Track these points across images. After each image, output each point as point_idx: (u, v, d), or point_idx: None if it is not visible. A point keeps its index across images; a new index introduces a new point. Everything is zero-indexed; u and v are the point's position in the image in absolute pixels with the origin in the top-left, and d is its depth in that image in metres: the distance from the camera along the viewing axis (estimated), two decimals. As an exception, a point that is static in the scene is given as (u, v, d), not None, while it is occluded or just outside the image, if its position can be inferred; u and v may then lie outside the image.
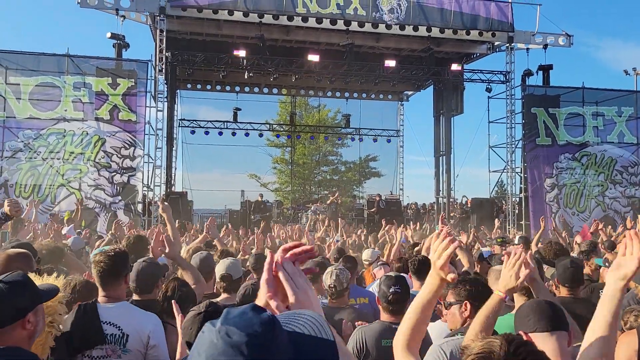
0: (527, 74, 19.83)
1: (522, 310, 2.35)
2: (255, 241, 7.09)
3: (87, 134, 16.39)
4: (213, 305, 2.93)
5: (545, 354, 1.38)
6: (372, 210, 20.29)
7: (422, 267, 4.66)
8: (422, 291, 1.94)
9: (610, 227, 11.73)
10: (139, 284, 3.49)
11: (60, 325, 2.45)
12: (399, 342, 2.01)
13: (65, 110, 16.30)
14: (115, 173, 16.42)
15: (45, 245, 4.83)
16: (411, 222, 15.21)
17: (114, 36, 17.02)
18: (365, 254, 6.52)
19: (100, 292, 3.17)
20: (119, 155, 16.50)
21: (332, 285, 3.99)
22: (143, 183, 16.98)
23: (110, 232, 8.50)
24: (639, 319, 2.96)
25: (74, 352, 2.90)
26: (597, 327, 1.87)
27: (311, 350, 1.07)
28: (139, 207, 16.75)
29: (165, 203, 5.08)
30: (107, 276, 3.14)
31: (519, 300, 3.19)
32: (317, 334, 1.10)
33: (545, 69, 19.93)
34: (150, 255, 4.20)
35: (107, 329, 2.97)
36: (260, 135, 24.97)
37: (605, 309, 1.88)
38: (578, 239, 8.34)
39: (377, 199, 20.89)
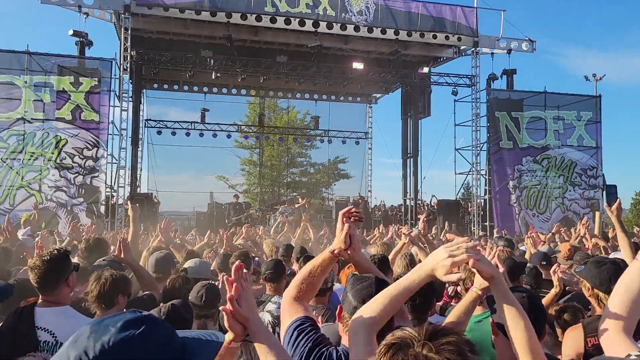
0: (492, 78, 20.27)
1: None
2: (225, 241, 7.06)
3: (48, 134, 15.96)
4: (174, 311, 2.87)
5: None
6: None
7: (382, 265, 4.69)
8: (404, 280, 1.85)
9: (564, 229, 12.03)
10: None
11: None
12: (359, 321, 1.87)
13: (26, 111, 15.86)
14: (77, 174, 16.03)
15: None
16: (381, 224, 15.29)
17: (76, 34, 16.63)
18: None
19: (41, 297, 3.00)
20: (81, 156, 16.11)
21: None
22: (106, 184, 16.62)
23: (68, 233, 8.28)
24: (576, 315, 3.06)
25: (3, 357, 2.73)
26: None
27: (197, 350, 1.21)
28: (102, 208, 16.38)
29: (136, 205, 5.01)
30: (45, 281, 2.96)
31: None
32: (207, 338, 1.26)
33: (509, 74, 20.41)
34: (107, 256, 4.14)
35: (41, 335, 2.80)
36: (229, 136, 24.78)
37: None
38: (542, 237, 8.48)
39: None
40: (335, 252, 2.21)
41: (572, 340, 2.81)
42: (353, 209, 2.26)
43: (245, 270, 1.76)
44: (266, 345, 1.71)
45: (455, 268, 1.74)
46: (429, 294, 2.91)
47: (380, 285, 2.06)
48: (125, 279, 3.33)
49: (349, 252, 2.21)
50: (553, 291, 3.87)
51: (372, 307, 1.86)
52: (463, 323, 2.59)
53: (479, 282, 2.54)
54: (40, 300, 2.98)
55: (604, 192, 20.50)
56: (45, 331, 2.82)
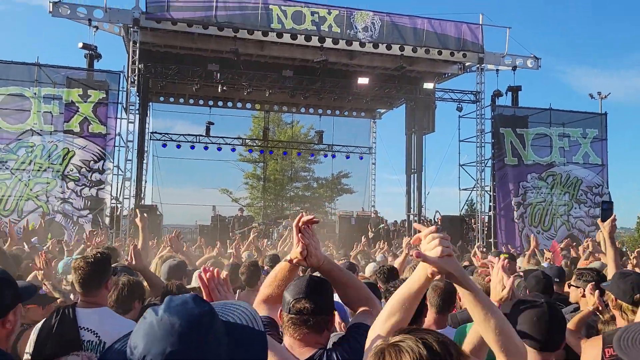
0: (497, 94, 20.34)
1: None
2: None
3: (57, 146, 16.05)
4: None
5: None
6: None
7: (390, 276, 4.71)
8: (407, 283, 1.80)
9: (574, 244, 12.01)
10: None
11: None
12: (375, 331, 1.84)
13: (35, 123, 15.98)
14: (83, 186, 16.09)
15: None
16: (382, 240, 15.25)
17: (85, 46, 16.78)
18: (369, 269, 6.40)
19: (81, 298, 3.09)
20: (87, 169, 16.18)
21: None
22: (112, 195, 16.66)
23: (83, 240, 8.29)
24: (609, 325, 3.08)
25: (48, 356, 2.79)
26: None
27: (243, 339, 1.18)
28: (107, 220, 16.40)
29: (145, 214, 5.06)
30: (88, 282, 3.04)
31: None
32: (249, 324, 1.21)
33: (514, 90, 20.49)
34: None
35: (84, 335, 2.88)
36: (233, 150, 24.86)
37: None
38: (548, 254, 8.48)
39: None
40: (294, 261, 2.24)
41: (591, 349, 2.86)
42: (303, 218, 2.24)
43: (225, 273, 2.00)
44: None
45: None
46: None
47: (313, 281, 2.16)
48: (140, 284, 3.36)
49: (308, 261, 2.23)
50: (590, 307, 3.72)
51: (384, 313, 1.83)
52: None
53: (495, 294, 2.49)
54: (80, 301, 3.04)
55: (600, 208, 20.45)
56: (88, 331, 2.89)
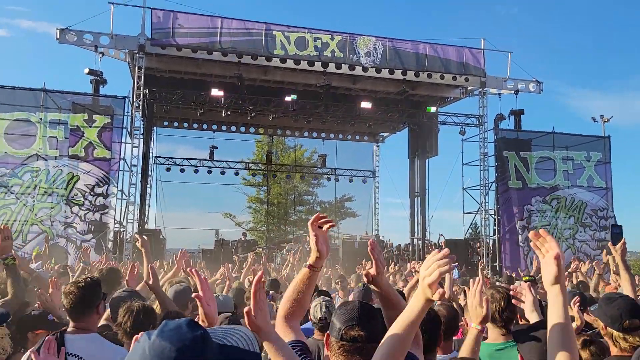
0: (499, 118, 20.41)
1: None
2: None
3: (62, 171, 16.12)
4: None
5: None
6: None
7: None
8: (406, 311, 1.84)
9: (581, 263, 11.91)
10: (114, 315, 3.43)
11: (5, 349, 2.32)
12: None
13: (41, 148, 16.08)
14: (87, 211, 16.10)
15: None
16: (388, 262, 15.12)
17: (91, 72, 16.99)
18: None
19: (71, 323, 3.07)
20: (92, 193, 16.22)
21: (323, 318, 3.87)
22: (115, 220, 16.65)
23: (80, 261, 8.26)
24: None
25: None
26: (555, 338, 1.79)
27: None
28: (110, 244, 16.36)
29: (144, 237, 5.04)
30: (78, 307, 3.03)
31: (493, 330, 3.23)
32: (246, 347, 1.24)
33: (517, 114, 20.57)
34: (127, 287, 4.16)
35: None
36: (237, 173, 24.89)
37: (556, 317, 1.81)
38: None
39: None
40: (312, 265, 2.26)
41: None
42: (319, 215, 2.30)
43: (263, 280, 2.01)
44: (280, 356, 1.86)
45: (437, 285, 1.73)
46: (434, 329, 2.90)
47: (363, 308, 2.11)
48: (153, 310, 3.35)
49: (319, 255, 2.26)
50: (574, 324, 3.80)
51: (384, 345, 1.84)
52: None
53: (475, 316, 2.64)
54: (70, 327, 3.00)
55: (610, 232, 20.30)
56: (75, 357, 2.87)
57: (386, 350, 1.82)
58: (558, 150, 20.56)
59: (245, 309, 1.92)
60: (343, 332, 2.02)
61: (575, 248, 20.08)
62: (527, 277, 7.45)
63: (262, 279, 2.01)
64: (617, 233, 19.91)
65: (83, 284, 3.09)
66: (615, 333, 2.75)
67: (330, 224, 2.29)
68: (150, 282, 3.96)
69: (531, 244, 1.92)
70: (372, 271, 2.29)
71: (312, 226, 2.25)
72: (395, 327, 1.82)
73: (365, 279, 2.37)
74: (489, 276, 17.59)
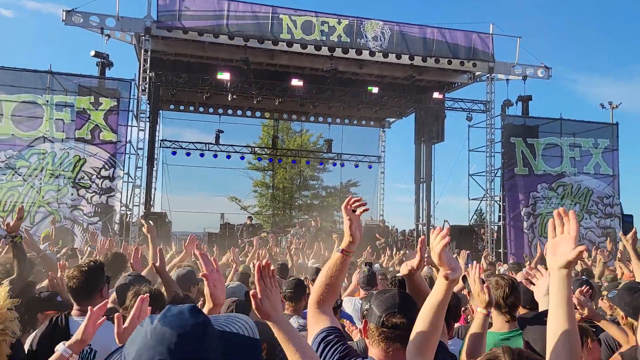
0: (507, 104, 20.27)
1: None
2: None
3: (68, 154, 16.18)
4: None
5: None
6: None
7: (403, 286, 4.70)
8: (432, 293, 1.91)
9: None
10: (121, 299, 3.46)
11: (15, 332, 2.36)
12: (410, 350, 1.92)
13: (47, 130, 16.11)
14: (94, 193, 16.19)
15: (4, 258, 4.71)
16: (387, 248, 15.17)
17: (97, 55, 16.95)
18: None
19: (75, 306, 3.11)
20: (98, 176, 16.29)
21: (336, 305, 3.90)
22: (121, 203, 16.75)
23: (87, 244, 8.34)
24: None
25: None
26: (555, 324, 1.76)
27: (239, 347, 1.22)
28: (116, 227, 16.47)
29: (150, 222, 5.08)
30: (82, 291, 3.07)
31: (497, 318, 3.25)
32: (247, 334, 1.27)
33: (525, 100, 20.42)
34: (131, 271, 4.20)
35: None
36: (242, 158, 24.90)
37: (558, 304, 1.75)
38: None
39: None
40: (345, 249, 2.25)
41: None
42: (352, 199, 2.28)
43: (272, 268, 1.97)
44: (291, 345, 1.83)
45: (445, 260, 1.86)
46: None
47: (404, 297, 2.13)
48: (161, 294, 3.38)
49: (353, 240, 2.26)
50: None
51: (417, 327, 1.89)
52: (481, 346, 2.63)
53: (479, 301, 2.67)
54: (74, 310, 3.04)
55: (621, 221, 20.25)
56: None
57: (421, 331, 1.87)
58: (565, 137, 20.43)
59: (251, 292, 1.91)
60: (384, 318, 2.03)
61: (580, 235, 19.96)
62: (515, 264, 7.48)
63: (269, 266, 1.97)
64: (628, 222, 19.87)
65: (86, 268, 3.12)
66: (636, 323, 2.76)
67: (364, 207, 2.27)
68: (157, 265, 3.99)
69: (549, 221, 1.89)
70: (415, 265, 2.41)
71: (345, 210, 2.24)
72: (425, 310, 1.88)
73: (405, 271, 2.50)
74: (492, 261, 17.62)
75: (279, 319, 1.88)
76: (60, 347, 2.29)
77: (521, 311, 3.94)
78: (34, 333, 3.03)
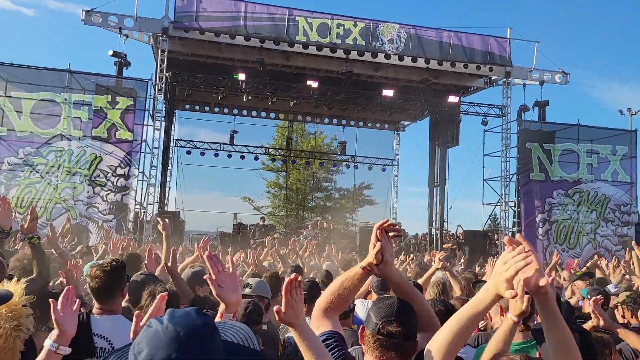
0: (523, 109, 20.09)
1: None
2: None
3: (85, 152, 16.38)
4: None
5: None
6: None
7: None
8: (472, 302, 1.80)
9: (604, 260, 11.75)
10: (133, 297, 3.53)
11: (29, 328, 2.39)
12: (434, 348, 1.85)
13: (65, 128, 16.32)
14: (109, 191, 16.36)
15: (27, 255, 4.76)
16: (402, 252, 15.13)
17: (115, 54, 17.14)
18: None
19: (95, 305, 3.14)
20: (114, 174, 16.46)
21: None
22: (136, 201, 16.89)
23: (102, 242, 8.42)
24: None
25: None
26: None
27: (241, 355, 1.27)
28: (130, 225, 16.62)
29: (166, 220, 5.13)
30: (104, 291, 3.10)
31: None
32: (245, 344, 1.33)
33: (542, 105, 20.22)
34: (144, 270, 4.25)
35: (97, 342, 2.92)
36: (256, 158, 24.98)
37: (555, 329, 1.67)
38: (565, 273, 8.29)
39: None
40: (367, 267, 2.19)
41: None
42: (389, 222, 2.21)
43: (299, 279, 2.02)
44: (310, 351, 1.88)
45: (515, 282, 1.61)
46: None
47: (402, 304, 2.08)
48: (177, 294, 3.41)
49: (379, 266, 2.19)
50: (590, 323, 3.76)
51: (443, 333, 1.82)
52: (505, 352, 2.55)
53: (514, 308, 2.50)
54: (95, 309, 3.09)
55: (635, 230, 19.96)
56: (101, 338, 2.94)
57: (446, 338, 1.81)
58: (582, 143, 20.19)
59: (275, 308, 1.95)
60: (380, 326, 2.01)
61: (596, 243, 19.79)
62: (580, 272, 7.17)
63: (297, 278, 2.00)
64: None
65: (109, 267, 3.14)
66: None
67: (397, 233, 2.22)
68: (169, 264, 4.03)
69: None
70: (373, 258, 2.18)
71: (379, 231, 2.18)
72: (458, 317, 1.80)
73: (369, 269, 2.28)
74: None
75: (301, 326, 1.93)
76: (47, 343, 2.35)
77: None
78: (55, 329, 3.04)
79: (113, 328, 2.98)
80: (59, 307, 2.41)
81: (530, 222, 19.54)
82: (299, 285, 1.99)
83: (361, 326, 2.14)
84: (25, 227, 4.01)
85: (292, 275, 2.00)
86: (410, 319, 2.06)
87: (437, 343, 1.81)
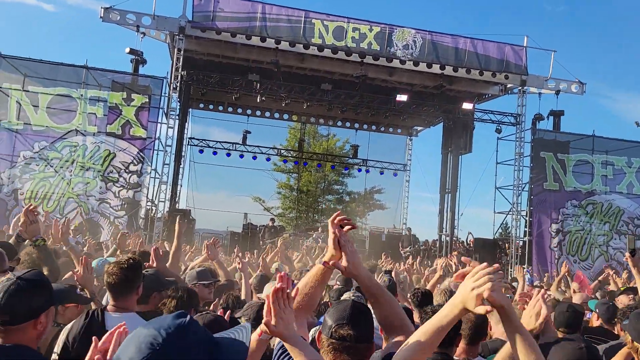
0: (538, 118, 19.93)
1: None
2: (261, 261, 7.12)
3: (99, 148, 16.53)
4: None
5: None
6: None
7: (425, 300, 4.68)
8: (438, 315, 1.82)
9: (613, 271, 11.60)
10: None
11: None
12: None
13: (80, 124, 16.49)
14: (122, 188, 16.49)
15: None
16: (410, 257, 15.05)
17: (132, 52, 17.27)
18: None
19: (110, 302, 3.17)
20: (127, 171, 16.59)
21: None
22: (147, 198, 17.00)
23: (114, 240, 8.46)
24: None
25: (75, 358, 2.83)
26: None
27: (226, 350, 1.35)
28: (141, 222, 16.73)
29: (185, 220, 5.25)
30: (120, 288, 3.13)
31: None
32: (234, 337, 1.42)
33: (557, 115, 20.05)
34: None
35: None
36: (268, 159, 25.03)
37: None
38: (575, 285, 8.21)
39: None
40: (330, 263, 2.19)
41: None
42: (340, 215, 2.22)
43: (288, 291, 1.95)
44: (304, 358, 1.87)
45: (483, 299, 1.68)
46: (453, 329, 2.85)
47: (356, 307, 2.11)
48: (196, 293, 3.45)
49: (344, 265, 2.18)
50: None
51: (409, 346, 1.83)
52: None
53: (527, 323, 2.46)
54: (109, 306, 3.12)
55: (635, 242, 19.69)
56: None
57: (408, 351, 1.81)
58: (597, 154, 19.97)
59: (264, 321, 1.89)
60: (333, 330, 2.04)
61: (608, 255, 19.56)
62: (624, 288, 6.99)
63: (284, 289, 1.93)
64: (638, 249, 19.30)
65: (126, 265, 3.17)
66: None
67: (351, 226, 2.23)
68: (154, 265, 4.15)
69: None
70: (337, 258, 2.17)
71: (332, 224, 2.20)
72: (423, 330, 1.81)
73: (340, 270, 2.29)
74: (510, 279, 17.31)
75: (291, 337, 1.90)
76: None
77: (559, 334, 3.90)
78: (69, 325, 3.07)
79: (127, 325, 2.98)
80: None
81: (542, 231, 19.36)
82: (287, 297, 1.93)
83: (318, 330, 2.17)
84: (25, 231, 4.00)
85: (278, 285, 1.92)
86: (364, 322, 2.08)
87: (402, 354, 1.83)
